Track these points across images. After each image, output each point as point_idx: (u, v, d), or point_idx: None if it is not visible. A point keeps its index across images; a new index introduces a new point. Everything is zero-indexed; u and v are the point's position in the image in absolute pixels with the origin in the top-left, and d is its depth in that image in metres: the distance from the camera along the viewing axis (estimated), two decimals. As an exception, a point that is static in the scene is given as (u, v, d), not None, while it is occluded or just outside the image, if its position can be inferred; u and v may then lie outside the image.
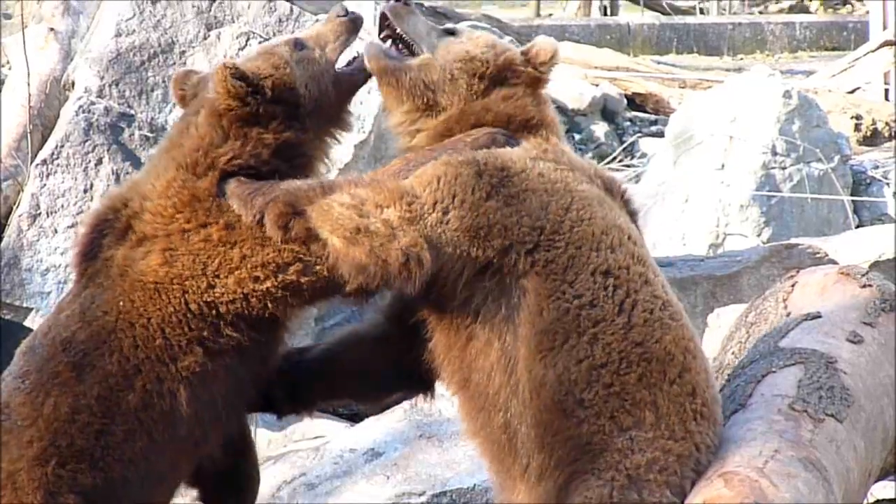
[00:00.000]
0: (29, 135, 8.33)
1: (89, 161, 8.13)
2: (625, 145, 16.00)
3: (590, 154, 15.46)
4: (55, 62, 8.70)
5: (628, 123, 17.29)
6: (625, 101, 17.51)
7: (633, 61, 19.75)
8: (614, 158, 15.31)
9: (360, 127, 8.09)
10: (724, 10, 28.40)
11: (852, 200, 12.31)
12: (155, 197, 4.62)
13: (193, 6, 8.32)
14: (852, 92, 16.95)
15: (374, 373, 4.91)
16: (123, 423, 4.48)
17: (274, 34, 8.27)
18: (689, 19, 25.67)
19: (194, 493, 4.97)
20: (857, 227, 11.76)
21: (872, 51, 17.17)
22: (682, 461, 4.41)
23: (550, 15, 27.90)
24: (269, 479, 6.68)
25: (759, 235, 11.71)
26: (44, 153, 8.19)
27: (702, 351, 4.63)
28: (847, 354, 4.82)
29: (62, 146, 8.14)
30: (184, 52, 8.26)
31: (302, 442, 7.43)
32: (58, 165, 8.12)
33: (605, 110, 17.11)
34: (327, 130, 4.87)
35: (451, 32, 4.89)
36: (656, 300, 4.54)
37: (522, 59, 4.81)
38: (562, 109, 15.99)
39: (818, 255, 8.48)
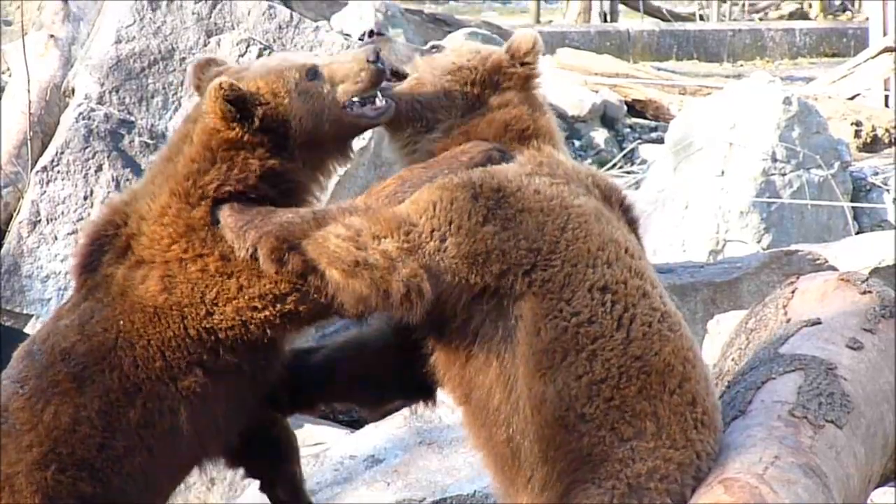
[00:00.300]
0: (29, 141, 8.35)
1: (89, 168, 8.13)
2: (625, 152, 16.00)
3: (589, 160, 15.48)
4: (55, 69, 8.71)
5: (628, 130, 17.31)
6: (625, 107, 17.54)
7: (633, 68, 19.78)
8: (614, 165, 15.31)
9: (360, 133, 8.07)
10: (724, 16, 28.42)
11: (852, 207, 12.31)
12: (151, 221, 4.60)
13: (193, 13, 8.33)
14: (852, 98, 16.96)
15: (376, 379, 4.91)
16: (124, 438, 4.49)
17: (274, 41, 8.28)
18: (689, 26, 25.69)
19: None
20: (857, 233, 11.76)
21: (872, 57, 17.18)
22: (683, 469, 4.41)
23: (550, 21, 27.92)
24: (269, 485, 6.66)
25: (759, 242, 11.72)
26: (44, 160, 8.19)
27: (701, 359, 4.63)
28: (847, 361, 4.82)
29: (62, 153, 8.14)
30: (184, 58, 8.26)
31: (302, 449, 7.41)
32: (58, 172, 8.13)
33: (605, 117, 17.13)
34: (321, 161, 4.75)
35: (436, 48, 4.88)
36: (655, 312, 4.53)
37: (509, 58, 4.80)
38: (562, 116, 16.00)
39: (818, 262, 8.49)
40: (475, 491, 6.39)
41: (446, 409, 5.41)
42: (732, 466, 4.36)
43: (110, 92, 8.21)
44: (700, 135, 12.17)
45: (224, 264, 4.53)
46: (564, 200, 4.54)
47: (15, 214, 8.21)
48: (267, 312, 4.54)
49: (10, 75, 9.77)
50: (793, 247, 9.19)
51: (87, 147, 8.14)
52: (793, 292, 5.24)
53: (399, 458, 6.71)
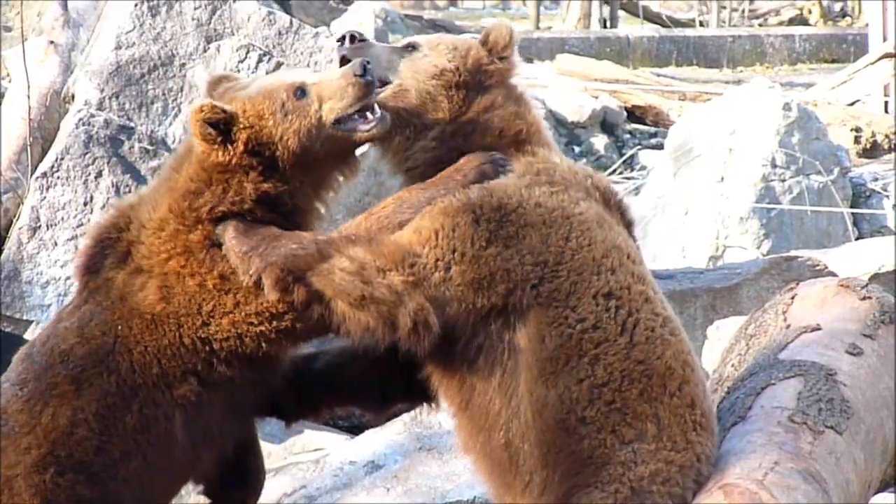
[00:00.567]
0: (29, 147, 8.33)
1: (89, 174, 8.13)
2: (624, 158, 16.02)
3: (589, 166, 15.48)
4: (55, 75, 8.70)
5: (628, 136, 17.33)
6: (624, 113, 17.56)
7: (633, 74, 19.80)
8: (614, 171, 15.33)
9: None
10: (724, 22, 28.47)
11: (852, 213, 12.32)
12: (150, 231, 4.59)
13: (193, 19, 8.33)
14: (852, 104, 16.97)
15: (379, 383, 4.91)
16: (120, 442, 4.49)
17: (273, 47, 8.28)
18: (689, 32, 25.71)
19: (197, 491, 4.97)
20: (857, 239, 11.77)
21: (872, 63, 17.20)
22: (684, 472, 4.42)
23: (550, 28, 27.94)
24: (270, 491, 6.67)
25: (758, 248, 11.73)
26: (44, 166, 8.18)
27: (698, 364, 4.64)
28: (847, 366, 4.82)
29: (62, 159, 8.14)
30: (184, 64, 8.26)
31: (302, 454, 7.42)
32: (58, 178, 8.12)
33: (605, 123, 17.14)
34: (322, 179, 4.70)
35: (412, 47, 4.81)
36: (657, 317, 4.55)
37: (487, 54, 4.79)
38: (561, 122, 16.00)
39: (818, 268, 8.49)
40: (475, 497, 6.39)
41: (446, 414, 5.41)
42: (732, 472, 4.36)
43: (110, 98, 8.21)
44: (700, 141, 12.19)
45: (222, 282, 4.54)
46: (566, 210, 4.54)
47: (15, 220, 8.21)
48: (263, 328, 4.54)
49: (9, 81, 9.76)
50: (792, 253, 9.20)
51: (86, 153, 8.14)
52: (792, 298, 5.24)
53: (399, 463, 6.72)
